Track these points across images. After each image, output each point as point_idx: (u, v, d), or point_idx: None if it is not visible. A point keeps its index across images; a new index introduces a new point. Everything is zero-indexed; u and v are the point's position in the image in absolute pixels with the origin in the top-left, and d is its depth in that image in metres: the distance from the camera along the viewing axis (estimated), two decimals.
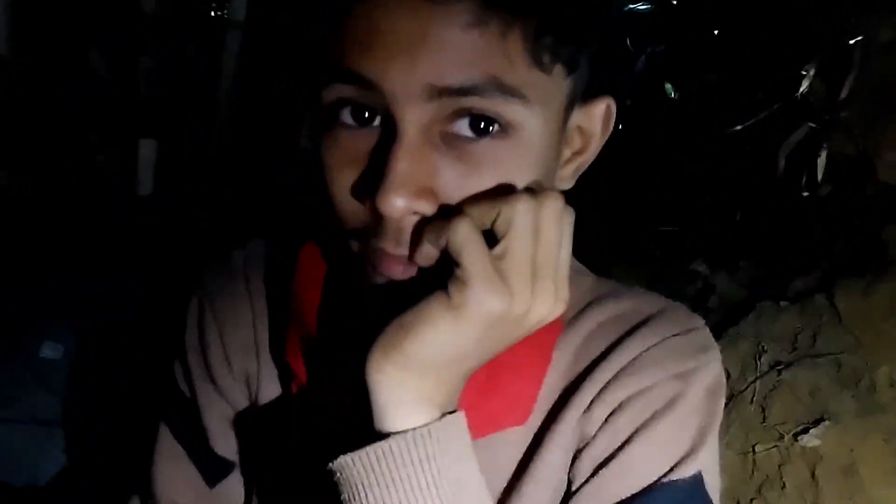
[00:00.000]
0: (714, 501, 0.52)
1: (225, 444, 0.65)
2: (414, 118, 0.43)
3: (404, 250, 0.45)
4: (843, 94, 0.91)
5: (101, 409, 1.47)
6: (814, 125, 0.98)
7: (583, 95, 0.52)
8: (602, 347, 0.56)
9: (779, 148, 1.07)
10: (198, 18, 1.87)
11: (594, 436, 0.53)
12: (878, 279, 1.04)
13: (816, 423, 1.05)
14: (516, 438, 0.55)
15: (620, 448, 0.52)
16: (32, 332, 1.54)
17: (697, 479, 0.52)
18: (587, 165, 0.55)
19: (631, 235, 1.95)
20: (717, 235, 1.57)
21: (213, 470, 0.65)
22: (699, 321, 0.57)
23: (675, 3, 2.00)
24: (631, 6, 2.08)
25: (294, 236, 0.65)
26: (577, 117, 0.52)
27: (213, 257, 0.71)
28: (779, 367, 1.16)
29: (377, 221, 0.44)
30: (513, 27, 0.43)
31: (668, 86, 1.98)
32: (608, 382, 0.54)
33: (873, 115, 0.93)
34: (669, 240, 1.80)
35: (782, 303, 1.26)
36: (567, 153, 0.53)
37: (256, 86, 1.82)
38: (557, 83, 0.47)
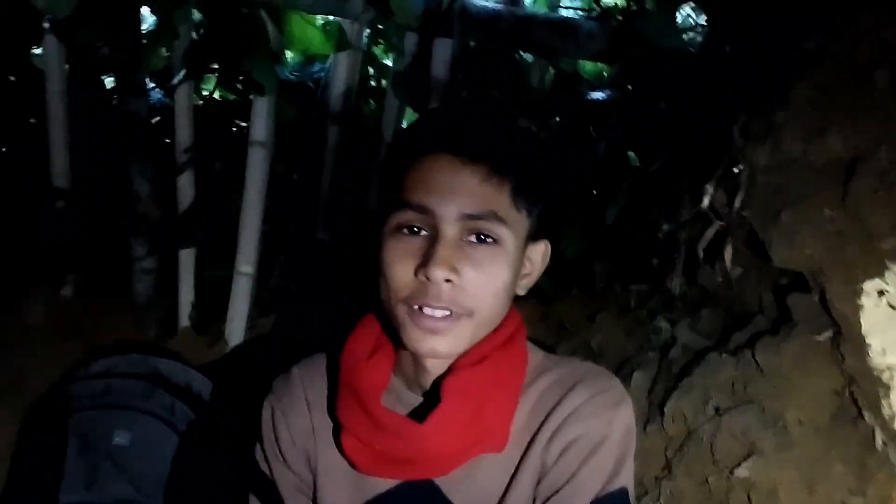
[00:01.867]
0: None
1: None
2: (450, 230, 0.76)
3: (441, 306, 0.76)
4: (737, 204, 1.19)
5: (174, 488, 1.71)
6: (722, 223, 1.26)
7: (532, 236, 0.85)
8: (552, 401, 0.83)
9: (697, 243, 1.35)
10: (223, 137, 2.16)
11: (550, 468, 0.81)
12: (785, 339, 1.31)
13: (747, 457, 1.31)
14: (499, 467, 0.84)
15: (571, 476, 0.80)
16: (104, 423, 1.76)
17: (623, 491, 0.81)
18: (531, 285, 0.88)
19: (611, 292, 2.21)
20: (677, 296, 1.83)
21: None
22: (615, 381, 0.86)
23: (630, 88, 2.28)
24: (592, 94, 2.37)
25: (335, 348, 0.91)
26: (529, 250, 0.86)
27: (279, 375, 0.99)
28: (720, 412, 1.42)
29: (424, 287, 0.75)
30: (503, 184, 0.78)
31: (632, 154, 2.25)
32: (559, 426, 0.81)
33: (764, 218, 1.21)
34: (641, 297, 2.06)
35: (724, 355, 1.52)
36: (522, 272, 0.86)
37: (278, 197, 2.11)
38: (523, 220, 0.81)
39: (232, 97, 2.22)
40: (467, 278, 0.76)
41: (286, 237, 2.20)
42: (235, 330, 2.14)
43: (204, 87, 2.26)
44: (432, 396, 0.84)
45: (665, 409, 1.55)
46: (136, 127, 2.03)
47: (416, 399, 0.87)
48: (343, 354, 0.87)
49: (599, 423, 0.81)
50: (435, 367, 0.84)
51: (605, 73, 2.28)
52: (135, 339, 2.07)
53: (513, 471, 0.84)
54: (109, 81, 2.15)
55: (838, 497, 1.14)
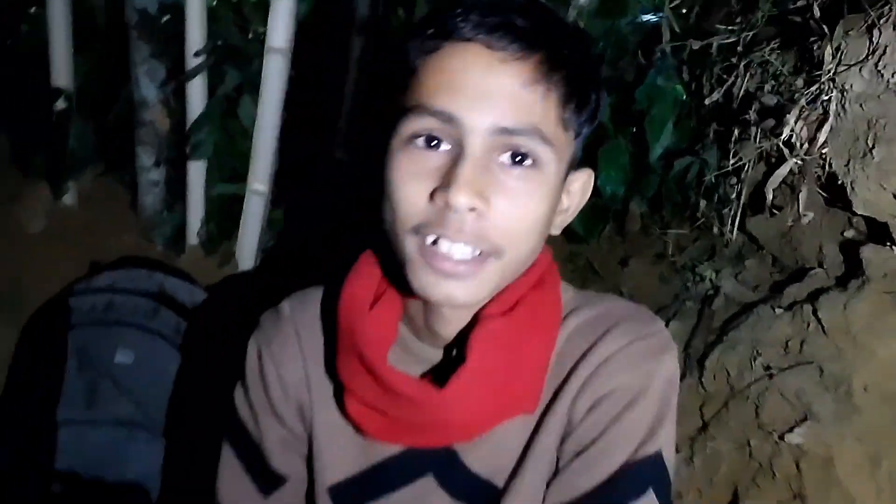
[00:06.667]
0: (671, 472, 0.68)
1: (280, 461, 0.79)
2: (480, 145, 0.61)
3: (463, 241, 0.61)
4: (822, 139, 1.02)
5: (175, 410, 1.63)
6: (797, 162, 1.09)
7: (574, 163, 0.70)
8: (582, 347, 0.70)
9: (766, 182, 1.18)
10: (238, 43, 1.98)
11: (577, 425, 0.68)
12: (856, 295, 1.17)
13: (800, 422, 1.18)
14: (522, 426, 0.71)
15: (598, 436, 0.67)
16: (105, 340, 1.67)
17: (658, 456, 0.67)
18: (567, 223, 0.73)
19: (647, 236, 2.06)
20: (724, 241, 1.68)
21: (267, 482, 0.79)
22: (659, 324, 0.72)
23: (684, 11, 2.07)
24: (643, 17, 2.15)
25: (333, 283, 0.77)
26: (569, 181, 0.70)
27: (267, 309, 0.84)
28: (770, 371, 1.29)
29: (441, 215, 0.61)
30: (551, 93, 0.62)
31: (679, 87, 2.07)
32: (588, 378, 0.68)
33: (849, 156, 1.05)
34: (680, 243, 1.91)
35: (777, 310, 1.38)
36: (559, 207, 0.70)
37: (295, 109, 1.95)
38: (569, 142, 0.66)
39: None
40: (497, 209, 0.62)
41: (303, 155, 2.05)
42: (246, 251, 2.03)
43: None
44: (453, 350, 0.71)
45: (706, 364, 1.44)
46: (143, 24, 1.86)
47: (432, 353, 0.74)
48: (341, 303, 0.72)
49: (637, 376, 0.68)
50: (455, 317, 0.70)
51: None
52: (140, 255, 1.96)
53: (533, 427, 0.71)
54: None
55: None
